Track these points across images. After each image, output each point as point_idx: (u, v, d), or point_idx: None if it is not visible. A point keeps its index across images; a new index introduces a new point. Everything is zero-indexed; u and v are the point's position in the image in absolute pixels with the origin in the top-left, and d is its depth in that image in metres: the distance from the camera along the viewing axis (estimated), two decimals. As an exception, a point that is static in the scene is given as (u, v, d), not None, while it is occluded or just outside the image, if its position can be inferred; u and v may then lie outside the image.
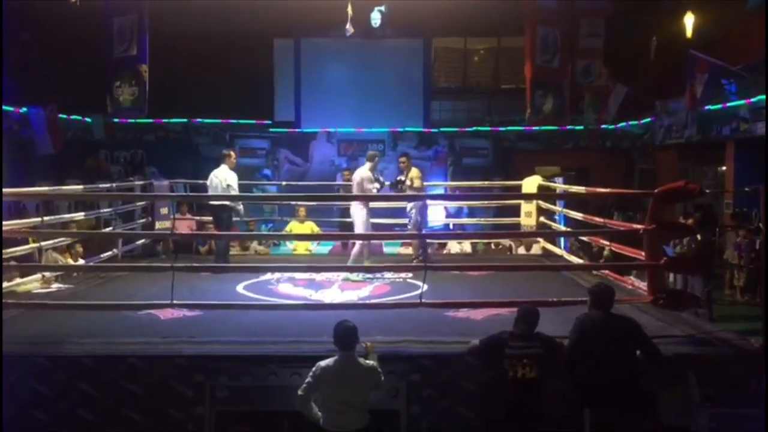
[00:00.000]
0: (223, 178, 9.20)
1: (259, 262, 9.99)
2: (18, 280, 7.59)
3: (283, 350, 5.46)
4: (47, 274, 8.05)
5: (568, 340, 5.00)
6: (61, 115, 14.18)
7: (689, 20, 12.28)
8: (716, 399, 5.13)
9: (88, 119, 15.95)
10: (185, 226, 10.90)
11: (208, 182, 9.42)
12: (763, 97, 11.25)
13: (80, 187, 10.89)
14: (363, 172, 9.06)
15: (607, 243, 8.10)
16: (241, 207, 9.49)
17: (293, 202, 12.12)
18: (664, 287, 6.46)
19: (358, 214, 8.93)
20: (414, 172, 9.71)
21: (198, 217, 11.67)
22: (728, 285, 11.55)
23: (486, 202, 12.50)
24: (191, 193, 12.39)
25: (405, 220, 10.09)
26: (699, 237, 8.99)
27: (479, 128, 16.92)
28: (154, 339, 5.73)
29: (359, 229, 8.90)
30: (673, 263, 7.00)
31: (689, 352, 5.47)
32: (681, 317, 6.45)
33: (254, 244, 11.57)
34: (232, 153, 9.65)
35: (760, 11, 11.33)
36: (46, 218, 8.53)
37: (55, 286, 8.04)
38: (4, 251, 6.69)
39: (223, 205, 9.16)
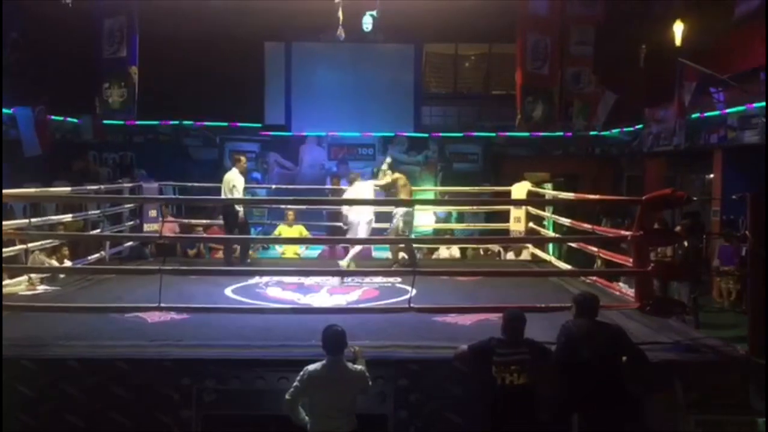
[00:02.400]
0: (229, 180, 9.60)
1: (248, 266, 9.95)
2: (6, 282, 7.53)
3: (271, 354, 5.44)
4: (34, 276, 8.00)
5: (555, 346, 5.01)
6: (49, 116, 14.09)
7: (678, 28, 12.36)
8: (701, 405, 5.16)
9: (76, 120, 15.87)
10: (167, 228, 10.87)
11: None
12: (753, 105, 11.34)
13: (68, 188, 10.82)
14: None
15: (596, 250, 8.12)
16: (240, 209, 9.63)
17: (282, 206, 12.12)
18: (652, 294, 6.50)
19: (364, 218, 9.12)
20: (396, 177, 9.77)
21: (185, 220, 11.64)
22: (717, 292, 11.60)
23: (475, 207, 12.54)
24: (180, 196, 12.36)
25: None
26: (686, 244, 9.03)
27: (478, 134, 16.96)
28: (141, 342, 5.70)
29: (363, 233, 9.09)
30: (661, 270, 7.03)
31: (675, 359, 5.50)
32: (668, 324, 6.48)
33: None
34: (242, 158, 10.08)
35: (750, 21, 11.42)
36: (33, 220, 8.47)
37: (41, 288, 7.98)
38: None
39: (229, 206, 9.54)
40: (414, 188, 10.68)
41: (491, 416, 4.85)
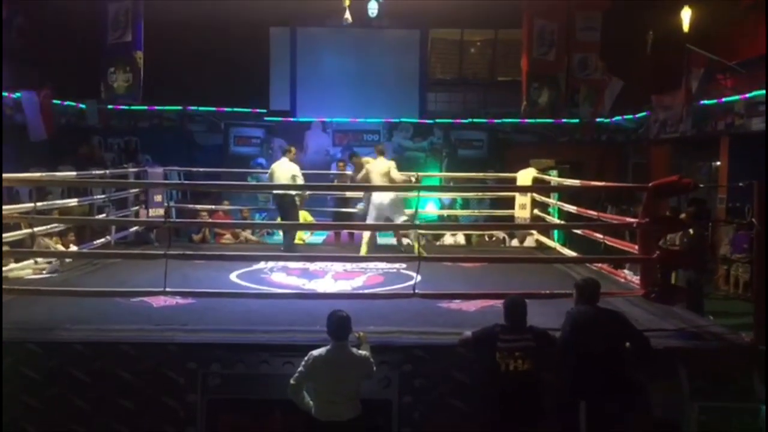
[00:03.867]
0: (286, 170, 9.75)
1: (252, 251, 9.97)
2: (12, 266, 7.56)
3: (275, 339, 5.46)
4: (40, 260, 8.02)
5: (560, 334, 5.01)
6: (54, 101, 14.10)
7: (686, 15, 12.28)
8: (706, 393, 5.16)
9: (82, 105, 15.88)
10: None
11: (269, 173, 10.03)
12: (759, 92, 11.27)
13: (73, 173, 10.83)
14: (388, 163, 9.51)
15: (601, 237, 8.10)
16: (307, 194, 10.07)
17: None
18: (657, 281, 6.49)
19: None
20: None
21: (191, 205, 11.64)
22: (723, 280, 11.57)
23: (480, 193, 12.50)
24: (185, 181, 12.35)
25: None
26: (691, 231, 9.01)
27: (484, 120, 16.91)
28: (146, 326, 5.73)
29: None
30: (666, 257, 7.02)
31: (680, 346, 5.49)
32: (672, 311, 6.48)
33: (246, 233, 11.58)
34: (292, 149, 10.31)
35: (759, 7, 11.33)
36: (38, 204, 8.48)
37: (47, 273, 8.01)
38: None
39: (288, 194, 9.67)
40: (419, 174, 10.72)
41: (495, 402, 4.86)
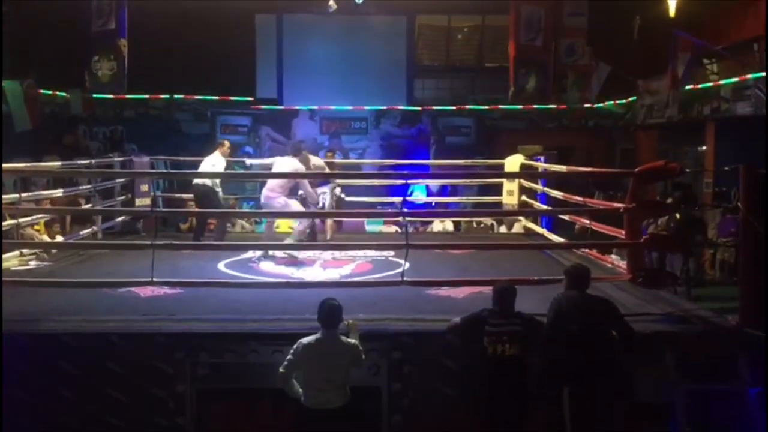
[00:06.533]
0: (207, 160, 9.40)
1: (242, 240, 9.94)
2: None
3: (264, 328, 5.46)
4: (26, 251, 7.96)
5: (546, 320, 5.03)
6: (44, 91, 13.95)
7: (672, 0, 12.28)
8: (692, 376, 5.20)
9: (66, 94, 15.71)
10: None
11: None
12: (746, 76, 11.32)
13: (59, 163, 10.74)
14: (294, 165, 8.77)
15: (588, 222, 8.13)
16: (219, 190, 9.52)
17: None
18: (643, 266, 6.53)
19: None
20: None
21: (178, 195, 11.55)
22: (709, 264, 11.63)
23: (468, 180, 12.52)
24: (172, 170, 12.28)
25: (390, 199, 10.26)
26: (678, 216, 9.05)
27: (471, 107, 16.88)
28: (134, 316, 5.71)
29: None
30: (653, 242, 7.06)
31: (666, 330, 5.54)
32: (659, 295, 6.52)
33: (242, 222, 11.59)
34: (226, 142, 9.90)
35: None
36: (23, 195, 8.41)
37: (33, 264, 7.96)
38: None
39: (211, 189, 9.26)
40: (407, 161, 10.69)
41: (483, 386, 4.89)
